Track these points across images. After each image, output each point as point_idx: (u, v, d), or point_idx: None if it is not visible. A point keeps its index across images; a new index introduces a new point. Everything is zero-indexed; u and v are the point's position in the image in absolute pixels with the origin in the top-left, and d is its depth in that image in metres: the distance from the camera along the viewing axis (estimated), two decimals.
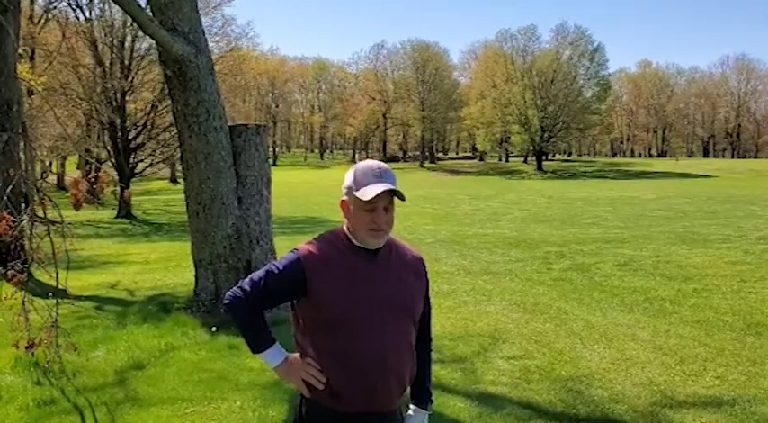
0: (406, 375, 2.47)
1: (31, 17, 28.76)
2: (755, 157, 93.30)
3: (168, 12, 7.27)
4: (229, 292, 2.50)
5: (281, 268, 2.42)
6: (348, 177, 2.40)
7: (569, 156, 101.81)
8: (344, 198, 2.41)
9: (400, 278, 2.44)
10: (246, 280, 2.48)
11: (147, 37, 9.09)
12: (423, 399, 2.64)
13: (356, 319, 2.35)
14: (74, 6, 29.55)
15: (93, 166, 26.40)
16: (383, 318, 2.37)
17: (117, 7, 18.83)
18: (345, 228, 2.44)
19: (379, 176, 2.34)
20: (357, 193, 2.32)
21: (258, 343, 2.60)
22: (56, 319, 5.69)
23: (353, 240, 2.40)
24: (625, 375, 5.55)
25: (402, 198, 2.37)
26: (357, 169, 2.39)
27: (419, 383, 2.60)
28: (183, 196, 8.14)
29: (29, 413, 4.89)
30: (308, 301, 2.42)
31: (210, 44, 8.98)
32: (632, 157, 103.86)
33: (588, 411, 4.81)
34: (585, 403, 4.96)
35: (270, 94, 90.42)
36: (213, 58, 8.53)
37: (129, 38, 29.21)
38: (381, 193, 2.29)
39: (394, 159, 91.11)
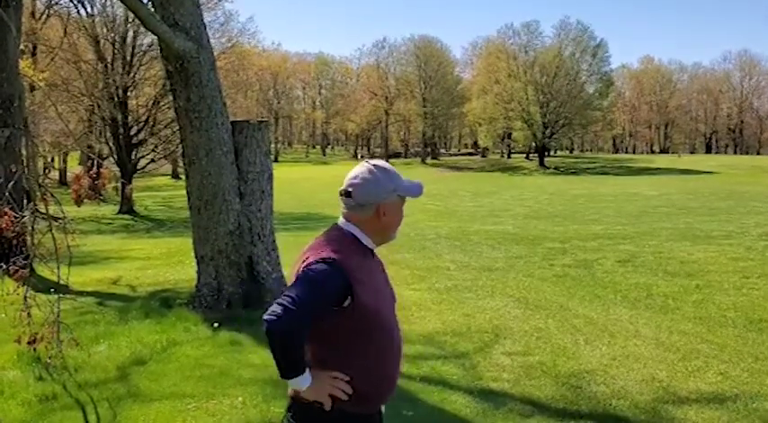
0: None
1: (32, 13, 28.75)
2: (758, 154, 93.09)
3: (170, 7, 7.26)
4: (271, 314, 2.18)
5: (324, 282, 2.24)
6: (384, 180, 2.38)
7: (571, 152, 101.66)
8: (386, 202, 2.39)
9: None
10: (287, 299, 2.19)
11: (149, 33, 9.10)
12: None
13: (385, 318, 2.41)
14: (75, 2, 29.62)
15: (95, 162, 26.40)
16: (395, 313, 2.49)
17: (119, 3, 18.83)
18: (356, 230, 2.40)
19: (407, 180, 2.47)
20: (404, 193, 2.42)
21: (294, 368, 2.26)
22: (58, 315, 5.70)
23: (363, 241, 2.40)
24: (627, 371, 5.55)
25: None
26: (390, 171, 2.42)
27: None
28: (184, 192, 8.14)
29: (31, 408, 4.90)
30: (350, 308, 2.29)
31: (212, 40, 8.96)
32: (634, 153, 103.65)
33: (590, 407, 4.81)
34: (587, 399, 4.96)
35: (271, 90, 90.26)
36: (215, 53, 8.52)
37: (130, 33, 29.19)
38: (418, 192, 2.46)
39: (396, 155, 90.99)
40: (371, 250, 2.44)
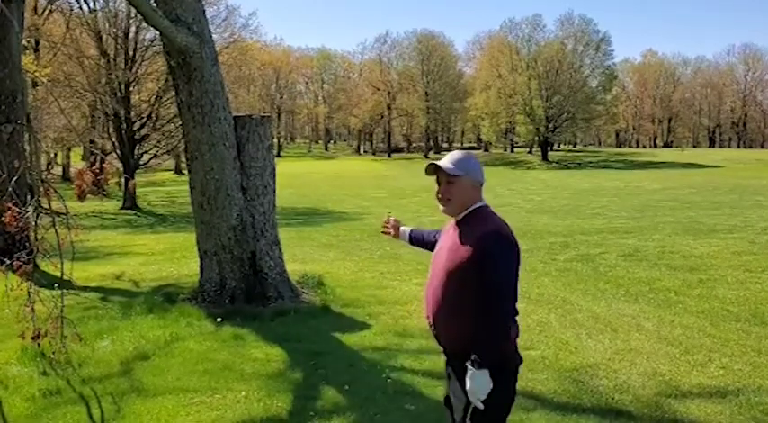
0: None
1: (35, 8, 28.69)
2: (762, 147, 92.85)
3: (172, 2, 7.25)
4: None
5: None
6: None
7: (574, 146, 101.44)
8: None
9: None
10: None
11: (151, 28, 9.08)
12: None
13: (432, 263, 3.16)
14: None
15: (98, 158, 26.39)
16: (439, 265, 3.02)
17: None
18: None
19: (442, 160, 2.94)
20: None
21: None
22: (61, 310, 5.71)
23: None
24: (630, 366, 5.55)
25: (446, 173, 2.88)
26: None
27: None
28: (187, 187, 8.14)
29: (35, 403, 4.91)
30: None
31: (214, 35, 8.95)
32: (637, 147, 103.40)
33: (593, 401, 4.81)
34: (590, 393, 4.96)
35: (274, 85, 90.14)
36: (217, 48, 8.51)
37: (133, 29, 29.17)
38: (428, 166, 2.93)
39: (398, 150, 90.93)
40: (455, 220, 2.99)
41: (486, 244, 2.73)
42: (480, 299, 2.71)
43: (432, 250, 3.32)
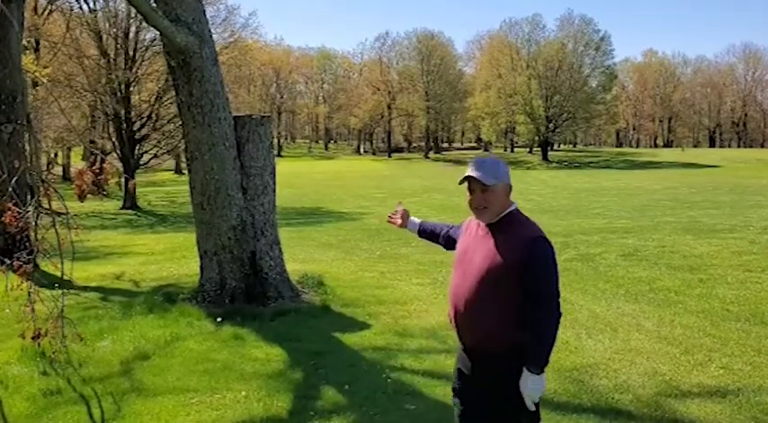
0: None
1: (35, 8, 28.69)
2: (762, 147, 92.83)
3: (172, 2, 7.25)
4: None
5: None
6: None
7: (575, 146, 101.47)
8: None
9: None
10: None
11: (151, 28, 9.08)
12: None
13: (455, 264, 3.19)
14: None
15: (98, 158, 26.37)
16: (466, 266, 3.07)
17: None
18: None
19: (474, 166, 2.94)
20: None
21: None
22: (62, 310, 5.71)
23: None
24: (630, 365, 5.55)
25: (482, 183, 2.89)
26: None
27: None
28: (187, 187, 8.14)
29: (35, 403, 4.92)
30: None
31: (214, 34, 8.95)
32: (638, 146, 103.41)
33: (592, 401, 4.82)
34: (590, 393, 4.96)
35: (274, 85, 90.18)
36: (217, 48, 8.51)
37: (133, 28, 29.16)
38: (463, 178, 2.94)
39: (399, 150, 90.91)
40: (486, 223, 2.99)
41: (535, 250, 2.83)
42: (526, 302, 2.82)
43: (443, 245, 3.51)
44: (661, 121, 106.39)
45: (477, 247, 2.97)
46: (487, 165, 2.96)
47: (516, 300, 2.82)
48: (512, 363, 2.84)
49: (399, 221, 3.70)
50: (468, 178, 2.93)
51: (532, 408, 2.85)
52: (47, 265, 6.93)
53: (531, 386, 2.80)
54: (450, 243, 3.45)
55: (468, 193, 2.97)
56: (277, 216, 8.15)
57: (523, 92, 72.55)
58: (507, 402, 2.86)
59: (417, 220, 3.70)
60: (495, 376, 2.90)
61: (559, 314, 2.87)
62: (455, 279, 3.04)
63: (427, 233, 3.64)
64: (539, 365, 2.80)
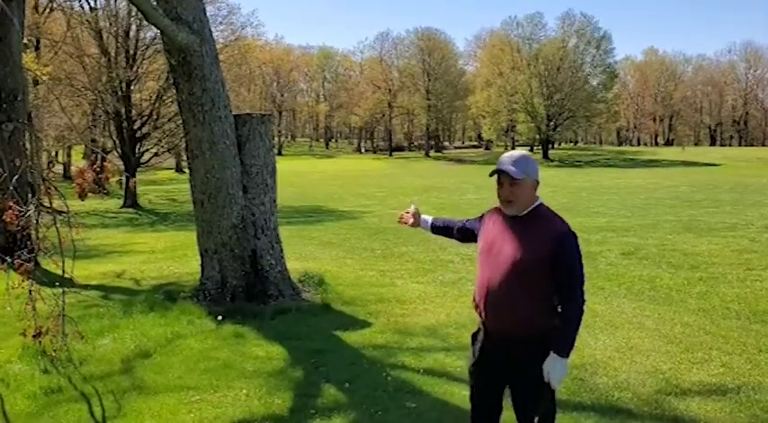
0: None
1: (35, 7, 28.68)
2: (763, 145, 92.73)
3: (172, 0, 7.24)
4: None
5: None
6: None
7: (575, 144, 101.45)
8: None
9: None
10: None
11: (152, 26, 9.09)
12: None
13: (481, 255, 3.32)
14: None
15: (99, 156, 26.45)
16: (492, 256, 3.19)
17: None
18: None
19: (504, 160, 3.08)
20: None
21: None
22: (63, 308, 5.71)
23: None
24: (630, 363, 5.55)
25: (510, 176, 3.01)
26: None
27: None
28: (188, 186, 8.15)
29: (36, 401, 4.92)
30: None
31: (215, 33, 8.96)
32: (639, 145, 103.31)
33: (593, 399, 4.82)
34: (590, 391, 4.97)
35: (275, 84, 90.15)
36: (218, 47, 8.50)
37: (133, 27, 29.17)
38: (493, 171, 3.08)
39: (399, 149, 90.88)
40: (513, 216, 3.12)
41: (566, 244, 2.99)
42: (555, 292, 3.00)
43: (459, 238, 3.66)
44: (662, 120, 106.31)
45: (505, 239, 3.08)
46: (517, 159, 3.08)
47: (545, 290, 2.99)
48: (536, 348, 2.99)
49: (411, 220, 3.79)
50: (498, 171, 3.06)
51: (558, 387, 3.05)
52: (48, 264, 6.94)
53: (559, 369, 2.98)
54: (466, 235, 3.57)
55: (497, 186, 3.10)
56: (277, 214, 8.15)
57: (524, 90, 72.50)
58: (529, 386, 3.05)
59: (429, 218, 3.80)
60: (519, 360, 3.06)
61: (583, 301, 3.02)
62: (484, 269, 3.14)
63: (440, 229, 3.76)
64: (566, 350, 2.98)
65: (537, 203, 3.11)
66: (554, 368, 2.97)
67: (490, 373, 3.21)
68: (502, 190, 3.09)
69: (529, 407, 3.08)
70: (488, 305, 3.12)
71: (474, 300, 3.25)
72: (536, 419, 3.07)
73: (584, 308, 3.02)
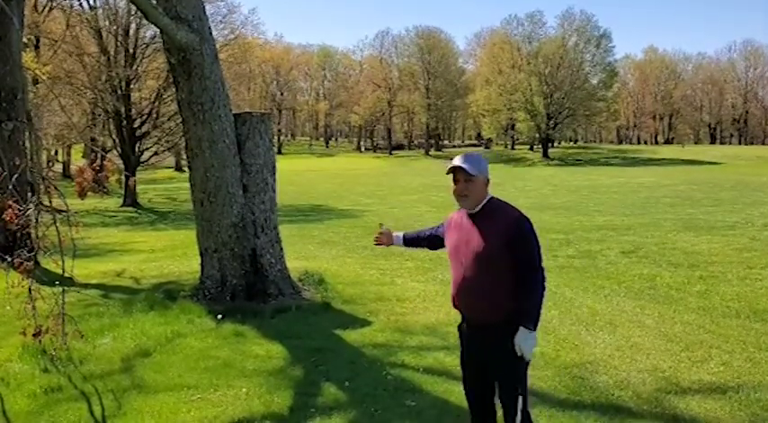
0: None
1: (35, 6, 28.62)
2: (763, 144, 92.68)
3: None
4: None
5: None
6: None
7: (575, 143, 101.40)
8: None
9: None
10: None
11: (152, 25, 9.08)
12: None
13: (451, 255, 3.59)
14: None
15: (99, 155, 26.41)
16: (464, 252, 3.43)
17: None
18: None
19: (460, 158, 3.34)
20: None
21: None
22: (62, 307, 5.71)
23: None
24: (630, 362, 5.56)
25: (466, 172, 3.28)
26: None
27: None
28: (188, 184, 8.15)
29: (36, 400, 4.92)
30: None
31: (215, 32, 8.95)
32: (638, 143, 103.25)
33: (593, 398, 4.82)
34: (590, 390, 4.97)
35: (274, 82, 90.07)
36: (217, 45, 8.50)
37: (133, 26, 29.10)
38: (450, 167, 3.31)
39: (399, 147, 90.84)
40: (469, 213, 3.40)
41: (519, 227, 3.26)
42: (517, 274, 3.23)
43: (428, 246, 3.95)
44: (662, 118, 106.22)
45: (467, 236, 3.36)
46: (472, 158, 3.37)
47: (508, 274, 3.23)
48: (507, 330, 3.23)
49: (385, 240, 4.09)
50: (454, 168, 3.32)
51: (530, 358, 3.26)
52: (48, 263, 6.93)
53: (528, 341, 3.21)
54: (435, 242, 3.88)
55: (452, 184, 3.36)
56: (277, 213, 8.15)
57: (524, 89, 72.47)
58: (506, 363, 3.27)
59: (400, 234, 4.09)
60: (493, 344, 3.30)
61: (544, 277, 3.28)
62: (457, 267, 3.41)
63: (411, 241, 4.05)
64: (533, 322, 3.22)
65: (488, 197, 3.38)
66: (525, 341, 3.20)
67: (474, 361, 3.47)
68: (457, 186, 3.34)
69: (511, 387, 3.30)
70: (463, 297, 3.39)
71: (452, 298, 3.49)
72: (520, 400, 3.27)
73: (544, 284, 3.26)
